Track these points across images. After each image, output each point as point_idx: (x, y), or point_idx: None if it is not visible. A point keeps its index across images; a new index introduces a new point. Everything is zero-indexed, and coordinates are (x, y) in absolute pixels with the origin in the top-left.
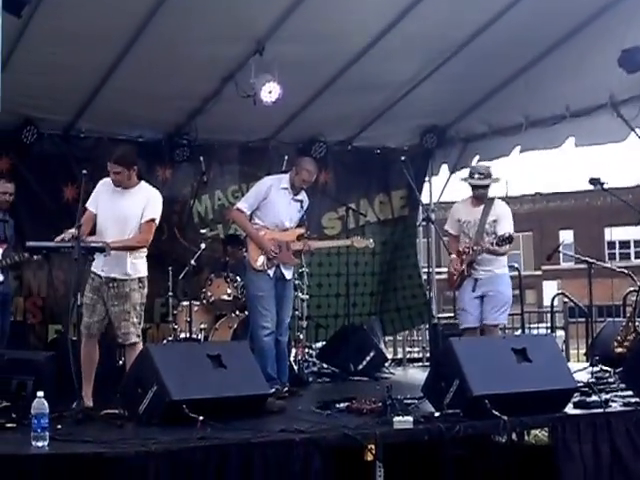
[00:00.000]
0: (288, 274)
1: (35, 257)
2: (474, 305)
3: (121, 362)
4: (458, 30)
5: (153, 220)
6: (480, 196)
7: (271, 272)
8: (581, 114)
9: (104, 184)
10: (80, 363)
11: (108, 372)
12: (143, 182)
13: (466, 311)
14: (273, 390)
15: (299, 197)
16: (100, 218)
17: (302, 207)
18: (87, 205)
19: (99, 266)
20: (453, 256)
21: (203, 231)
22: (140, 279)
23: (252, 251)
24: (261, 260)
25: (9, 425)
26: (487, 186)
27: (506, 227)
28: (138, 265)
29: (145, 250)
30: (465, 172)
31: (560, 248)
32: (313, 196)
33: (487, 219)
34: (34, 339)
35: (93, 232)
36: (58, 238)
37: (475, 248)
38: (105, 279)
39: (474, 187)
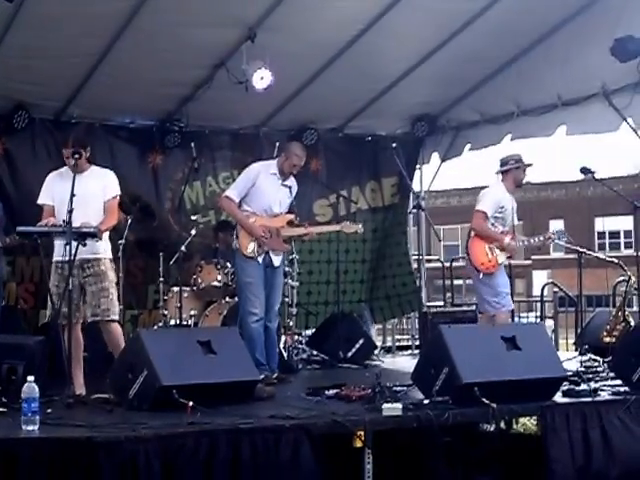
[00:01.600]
0: (277, 261)
1: (26, 241)
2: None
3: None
4: (450, 18)
5: (116, 196)
6: (522, 183)
7: (260, 259)
8: (573, 103)
9: (56, 174)
10: (70, 348)
11: (97, 357)
12: (93, 165)
13: (509, 294)
14: (262, 376)
15: (288, 182)
16: (60, 206)
17: (291, 193)
18: (42, 201)
19: (62, 253)
20: (507, 241)
21: (194, 217)
22: (110, 259)
23: (242, 238)
24: (251, 247)
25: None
26: None
27: (517, 219)
28: (106, 245)
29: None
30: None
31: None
32: (304, 183)
33: (514, 208)
34: (25, 324)
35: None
36: (42, 222)
37: (537, 239)
38: (79, 262)
39: (521, 172)
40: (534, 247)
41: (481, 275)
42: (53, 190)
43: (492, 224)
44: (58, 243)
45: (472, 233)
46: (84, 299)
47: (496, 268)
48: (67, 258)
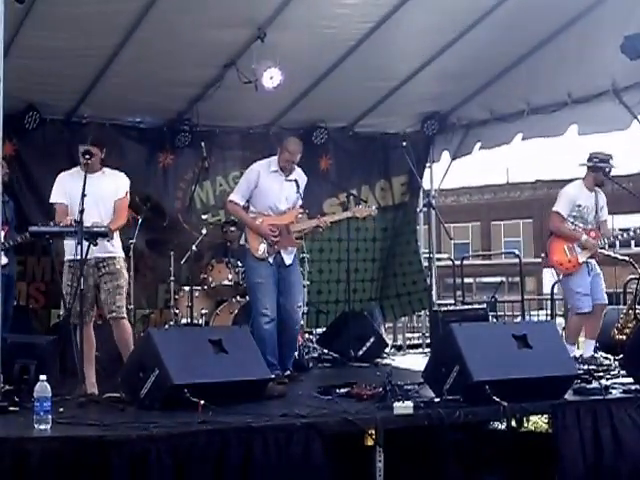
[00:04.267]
0: (288, 259)
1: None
2: (589, 289)
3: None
4: (460, 16)
5: (126, 196)
6: (603, 182)
7: (271, 259)
8: (583, 101)
9: (69, 174)
10: (82, 347)
11: (109, 357)
12: (106, 167)
13: (588, 295)
14: (273, 376)
15: (292, 177)
16: (73, 205)
17: (298, 186)
18: (55, 200)
19: (74, 252)
20: (585, 238)
21: (205, 217)
22: (124, 258)
23: (252, 240)
24: (262, 248)
25: (12, 408)
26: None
27: (606, 214)
28: (118, 243)
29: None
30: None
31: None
32: (314, 182)
33: (598, 204)
34: (36, 323)
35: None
36: (63, 222)
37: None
38: (93, 261)
39: (602, 173)
40: (630, 240)
41: (561, 276)
42: (65, 189)
43: (572, 223)
44: (69, 243)
45: (551, 234)
46: (99, 298)
47: (576, 268)
48: (76, 257)
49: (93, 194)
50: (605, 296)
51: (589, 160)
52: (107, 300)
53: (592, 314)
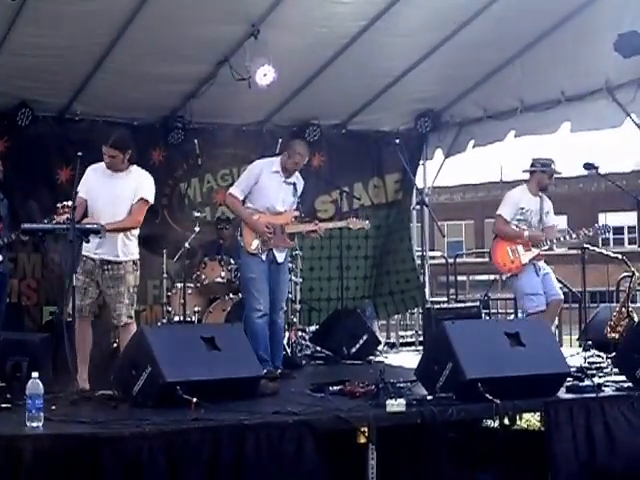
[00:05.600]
0: (280, 257)
1: (28, 238)
2: (541, 288)
3: (115, 344)
4: (453, 14)
5: (144, 200)
6: (547, 187)
7: (264, 255)
8: (576, 99)
9: (93, 169)
10: (75, 345)
11: (103, 354)
12: (134, 165)
13: (539, 294)
14: (265, 371)
15: (291, 180)
16: (92, 202)
17: (296, 190)
18: (80, 194)
19: (92, 249)
20: (527, 233)
21: (197, 214)
22: (134, 262)
23: (246, 235)
24: (255, 244)
25: (4, 406)
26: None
27: (554, 219)
28: (131, 247)
29: (136, 231)
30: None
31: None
32: (307, 179)
33: (543, 209)
34: (29, 321)
35: (85, 217)
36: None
37: (577, 235)
38: (99, 262)
39: (546, 177)
40: (575, 243)
41: (504, 277)
42: (87, 185)
43: (516, 226)
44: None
45: (495, 237)
46: (104, 300)
47: (520, 269)
48: (90, 254)
49: (110, 194)
50: (559, 291)
51: (532, 165)
52: (110, 306)
53: (547, 311)
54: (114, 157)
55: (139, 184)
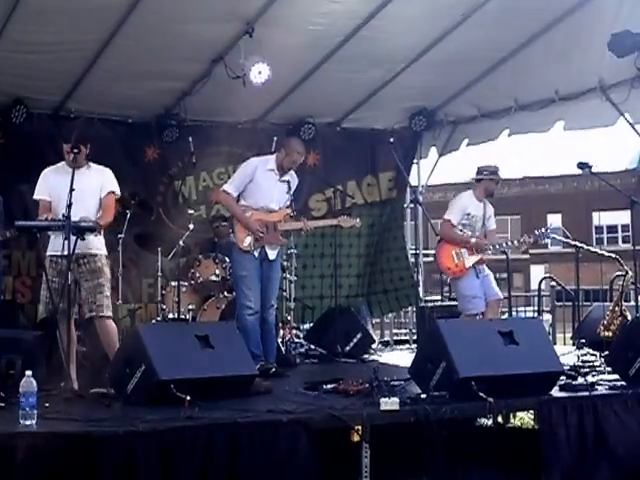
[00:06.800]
0: (272, 255)
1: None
2: (481, 291)
3: None
4: (447, 12)
5: (113, 193)
6: (493, 193)
7: (256, 253)
8: (570, 98)
9: (51, 170)
10: (69, 343)
11: (95, 352)
12: (91, 162)
13: (478, 297)
14: (258, 366)
15: (285, 178)
16: (57, 201)
17: (290, 188)
18: (39, 196)
19: (59, 248)
20: (474, 240)
21: (191, 212)
22: (106, 256)
23: (239, 232)
24: (248, 241)
25: None
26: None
27: (494, 224)
28: (101, 241)
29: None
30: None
31: (548, 230)
32: (301, 177)
33: (486, 214)
34: (23, 318)
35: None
36: (41, 217)
37: (516, 242)
38: (74, 257)
39: (493, 184)
40: (514, 248)
41: (449, 279)
42: (49, 185)
43: (461, 230)
44: (52, 237)
45: (440, 240)
46: (80, 295)
47: (464, 272)
48: (64, 253)
49: (78, 190)
50: (499, 292)
51: (479, 173)
52: (87, 298)
53: (487, 311)
54: (78, 152)
55: (103, 178)
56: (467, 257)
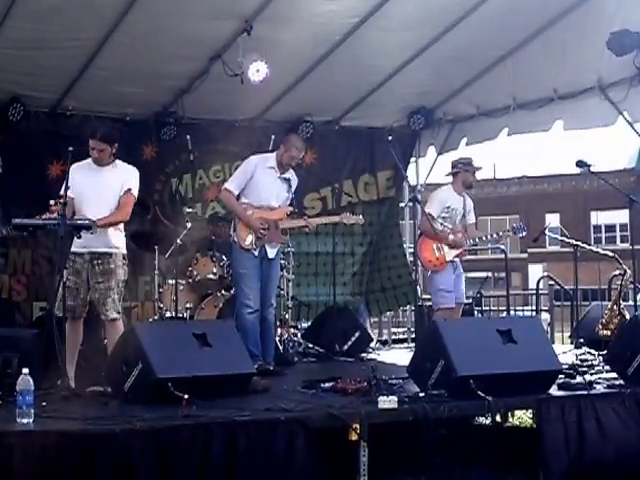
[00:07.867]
0: (272, 253)
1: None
2: (453, 286)
3: (106, 341)
4: (446, 12)
5: (131, 192)
6: (472, 184)
7: (256, 251)
8: (569, 97)
9: (78, 167)
10: (65, 341)
11: (92, 350)
12: (118, 160)
13: (451, 292)
14: (256, 366)
15: (286, 176)
16: (79, 197)
17: (290, 186)
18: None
19: (79, 245)
20: (452, 237)
21: (187, 210)
22: (124, 255)
23: (240, 230)
24: (249, 239)
25: None
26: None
27: (474, 217)
28: (120, 239)
29: (122, 225)
30: (447, 163)
31: (546, 231)
32: (297, 175)
33: (466, 208)
34: (19, 317)
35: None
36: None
37: (493, 235)
38: (88, 257)
39: (470, 175)
40: (493, 241)
41: (429, 272)
42: (73, 182)
43: (441, 224)
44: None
45: (421, 234)
46: (91, 295)
47: (443, 266)
48: (79, 250)
49: (97, 188)
50: (464, 295)
51: (454, 167)
52: (99, 301)
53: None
54: (102, 151)
55: (126, 177)
56: (448, 251)
